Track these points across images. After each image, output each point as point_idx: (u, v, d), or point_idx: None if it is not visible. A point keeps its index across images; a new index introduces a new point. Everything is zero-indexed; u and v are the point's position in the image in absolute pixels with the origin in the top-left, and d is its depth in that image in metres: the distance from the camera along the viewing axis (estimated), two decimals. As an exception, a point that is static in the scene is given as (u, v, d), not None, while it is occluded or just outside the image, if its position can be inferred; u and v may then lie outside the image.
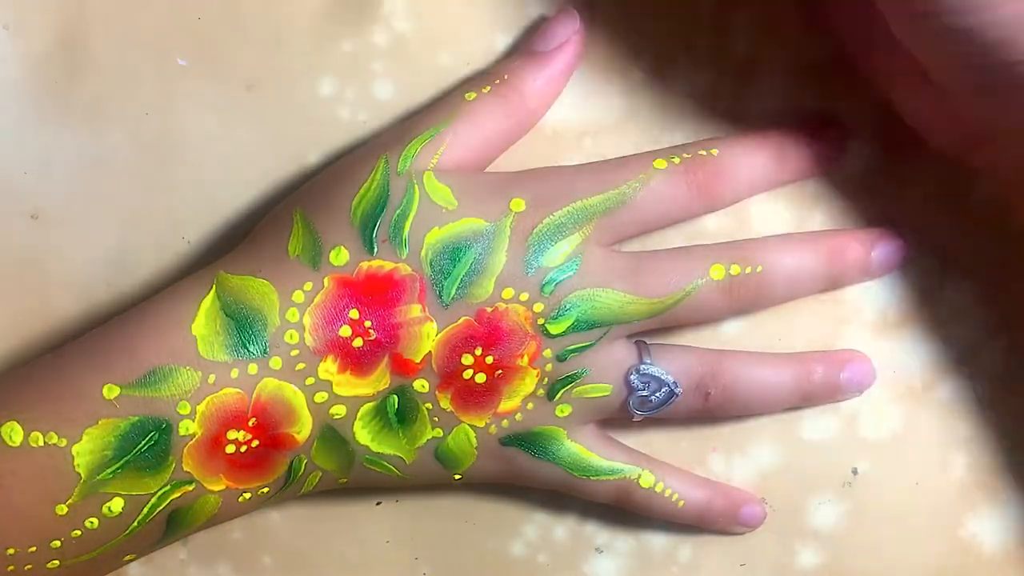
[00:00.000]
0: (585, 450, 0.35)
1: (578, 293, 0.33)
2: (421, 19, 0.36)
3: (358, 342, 0.33)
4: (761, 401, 0.36)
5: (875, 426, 0.37)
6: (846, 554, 0.38)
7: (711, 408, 0.36)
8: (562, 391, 0.34)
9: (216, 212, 0.37)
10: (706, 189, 0.34)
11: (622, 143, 0.36)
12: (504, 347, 0.33)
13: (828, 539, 0.38)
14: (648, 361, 0.35)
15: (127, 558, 0.34)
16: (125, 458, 0.32)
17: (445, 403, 0.34)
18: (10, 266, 0.38)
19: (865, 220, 0.36)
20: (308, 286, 0.33)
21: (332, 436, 0.34)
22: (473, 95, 0.34)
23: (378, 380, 0.33)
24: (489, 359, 0.33)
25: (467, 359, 0.33)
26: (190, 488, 0.33)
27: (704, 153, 0.35)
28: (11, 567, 0.32)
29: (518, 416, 0.34)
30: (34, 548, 0.32)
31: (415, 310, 0.33)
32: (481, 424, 0.34)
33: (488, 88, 0.35)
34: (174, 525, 0.33)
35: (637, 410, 0.35)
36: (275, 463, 0.33)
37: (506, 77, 0.35)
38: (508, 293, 0.33)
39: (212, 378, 0.32)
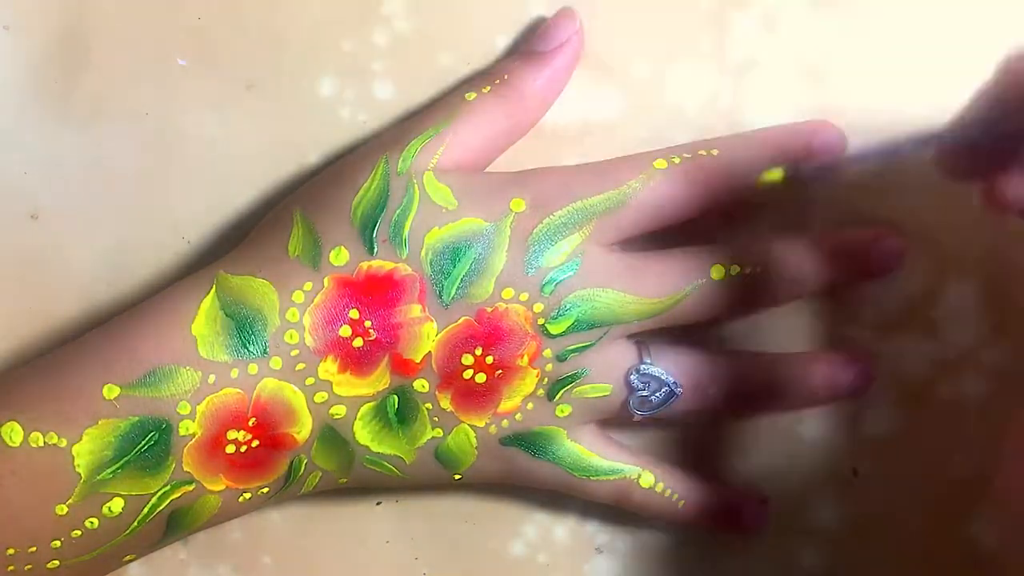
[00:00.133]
0: (585, 450, 0.35)
1: (578, 293, 0.33)
2: (421, 19, 0.36)
3: (358, 342, 0.33)
4: (761, 401, 0.36)
5: (875, 426, 0.37)
6: (846, 554, 0.38)
7: (711, 408, 0.36)
8: (562, 391, 0.34)
9: (216, 212, 0.37)
10: (706, 189, 0.34)
11: (622, 143, 0.36)
12: (504, 347, 0.33)
13: (828, 539, 0.38)
14: (648, 361, 0.35)
15: (127, 558, 0.34)
16: (125, 458, 0.32)
17: (445, 403, 0.34)
18: (10, 266, 0.38)
19: (865, 220, 0.36)
20: (308, 286, 0.33)
21: (332, 436, 0.34)
22: (473, 95, 0.34)
23: (378, 380, 0.33)
24: (489, 359, 0.33)
25: (467, 359, 0.33)
26: (190, 488, 0.33)
27: (704, 153, 0.35)
28: (11, 567, 0.32)
29: (518, 416, 0.34)
30: (34, 548, 0.32)
31: (415, 310, 0.33)
32: (481, 424, 0.34)
33: (488, 88, 0.35)
34: (174, 525, 0.33)
35: (637, 410, 0.35)
36: (275, 463, 0.33)
37: (506, 77, 0.35)
38: (508, 293, 0.33)
39: (212, 378, 0.32)
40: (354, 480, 0.35)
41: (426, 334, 0.33)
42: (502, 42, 0.36)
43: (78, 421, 0.31)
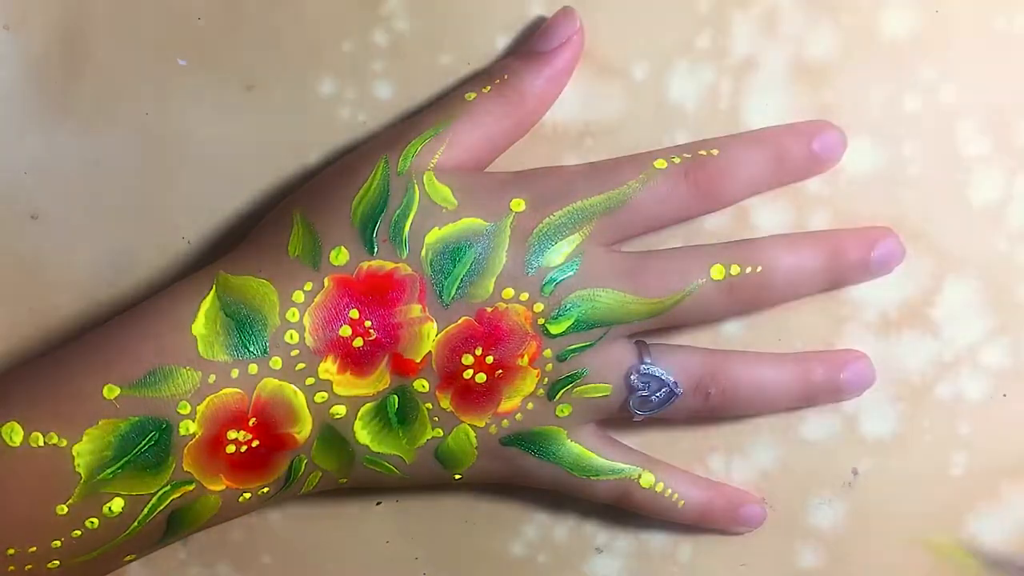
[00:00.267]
0: (585, 450, 0.35)
1: (578, 293, 0.33)
2: (421, 19, 0.36)
3: (358, 342, 0.33)
4: (761, 401, 0.36)
5: (875, 426, 0.37)
6: (846, 554, 0.38)
7: (711, 408, 0.36)
8: (562, 391, 0.34)
9: (216, 212, 0.37)
10: (706, 189, 0.34)
11: (622, 143, 0.36)
12: (504, 347, 0.33)
13: (828, 539, 0.38)
14: (648, 361, 0.35)
15: (127, 558, 0.34)
16: (125, 458, 0.32)
17: (445, 403, 0.34)
18: (10, 266, 0.38)
19: (865, 220, 0.36)
20: (308, 286, 0.33)
21: (332, 436, 0.34)
22: (473, 95, 0.34)
23: (378, 380, 0.33)
24: (489, 359, 0.33)
25: (467, 359, 0.33)
26: (190, 488, 0.33)
27: (704, 153, 0.35)
28: (11, 567, 0.32)
29: (518, 416, 0.34)
30: (34, 548, 0.32)
31: (415, 310, 0.33)
32: (481, 424, 0.34)
33: (488, 88, 0.35)
34: (174, 525, 0.33)
35: (637, 410, 0.35)
36: (275, 463, 0.33)
37: (506, 77, 0.35)
38: (508, 293, 0.33)
39: (212, 378, 0.32)
40: (354, 480, 0.35)
41: (426, 334, 0.33)
42: (502, 42, 0.36)
43: (78, 421, 0.31)
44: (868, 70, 0.36)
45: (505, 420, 0.34)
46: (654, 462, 0.37)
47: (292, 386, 0.33)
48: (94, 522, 0.32)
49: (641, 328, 0.35)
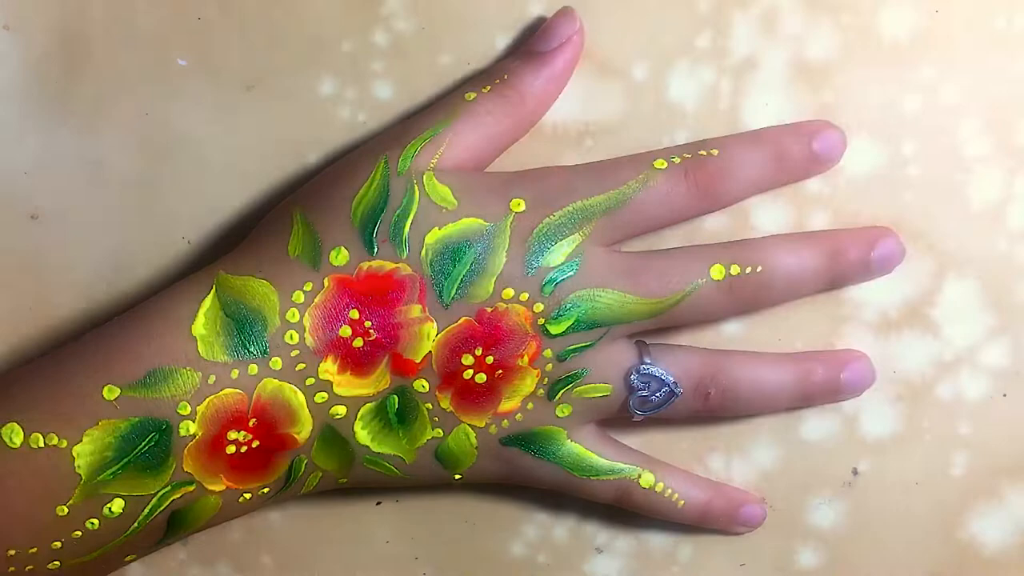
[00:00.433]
0: (585, 450, 0.35)
1: (578, 293, 0.33)
2: (421, 19, 0.36)
3: (358, 342, 0.33)
4: (761, 401, 0.36)
5: (875, 426, 0.37)
6: (846, 554, 0.38)
7: (711, 408, 0.36)
8: (562, 391, 0.34)
9: (216, 212, 0.37)
10: (706, 189, 0.34)
11: (622, 143, 0.36)
12: (504, 347, 0.33)
13: (828, 539, 0.38)
14: (648, 361, 0.35)
15: (128, 558, 0.34)
16: (125, 459, 0.32)
17: (445, 403, 0.34)
18: (10, 266, 0.38)
19: (865, 220, 0.36)
20: (308, 286, 0.33)
21: (332, 436, 0.34)
22: (473, 95, 0.34)
23: (378, 380, 0.33)
24: (489, 359, 0.33)
25: (467, 359, 0.33)
26: (190, 489, 0.33)
27: (704, 153, 0.35)
28: (12, 568, 0.32)
29: (518, 416, 0.34)
30: (35, 549, 0.32)
31: (415, 310, 0.33)
32: (481, 424, 0.34)
33: (488, 88, 0.35)
34: (174, 526, 0.33)
35: (637, 410, 0.35)
36: (275, 463, 0.33)
37: (506, 77, 0.35)
38: (508, 293, 0.33)
39: (212, 379, 0.32)
40: (354, 480, 0.35)
41: (426, 334, 0.33)
42: (502, 42, 0.36)
43: (78, 422, 0.31)
44: (868, 70, 0.36)
45: (505, 420, 0.34)
46: (654, 462, 0.37)
47: (292, 386, 0.33)
48: (94, 523, 0.32)
49: (641, 328, 0.35)
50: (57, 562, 0.32)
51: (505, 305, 0.33)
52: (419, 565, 0.39)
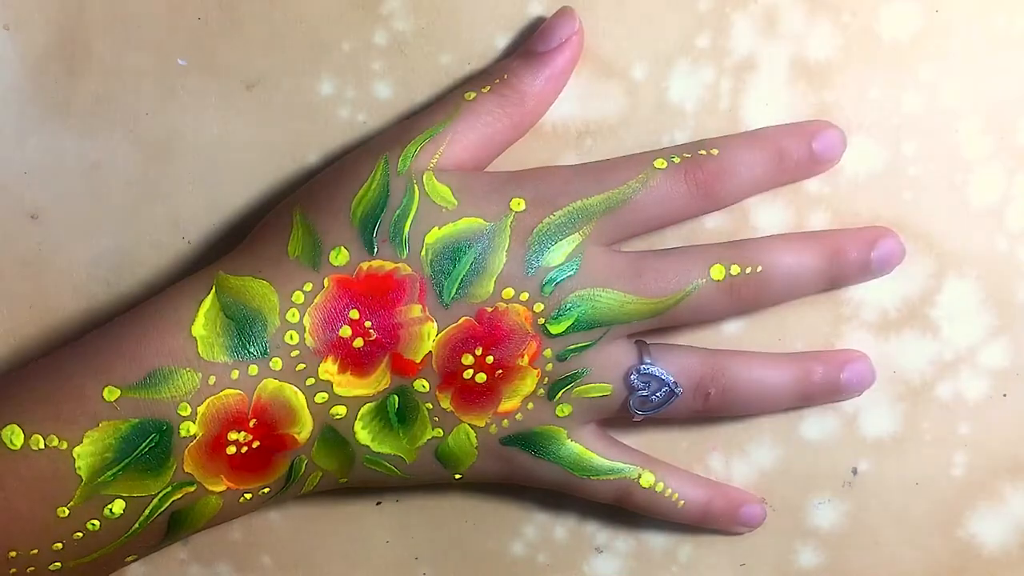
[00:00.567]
0: (585, 450, 0.35)
1: (579, 293, 0.33)
2: (421, 19, 0.36)
3: (358, 342, 0.33)
4: (761, 401, 0.36)
5: (875, 426, 0.37)
6: (846, 554, 0.38)
7: (711, 408, 0.36)
8: (562, 391, 0.34)
9: (216, 212, 0.37)
10: (706, 189, 0.34)
11: (622, 143, 0.36)
12: (504, 347, 0.33)
13: (828, 539, 0.38)
14: (648, 361, 0.35)
15: (128, 559, 0.34)
16: (126, 460, 0.32)
17: (445, 403, 0.34)
18: (10, 266, 0.38)
19: (865, 220, 0.36)
20: (308, 287, 0.33)
21: (333, 436, 0.34)
22: (473, 95, 0.34)
23: (378, 380, 0.33)
24: (489, 359, 0.33)
25: (467, 359, 0.33)
26: (191, 489, 0.33)
27: (704, 153, 0.35)
28: (13, 570, 0.32)
29: (518, 416, 0.34)
30: (36, 550, 0.32)
31: (415, 310, 0.33)
32: (481, 424, 0.34)
33: (488, 88, 0.35)
34: (175, 526, 0.33)
35: (637, 410, 0.35)
36: (276, 464, 0.33)
37: (506, 77, 0.35)
38: (508, 293, 0.33)
39: (212, 379, 0.32)
40: (354, 480, 0.35)
41: (426, 334, 0.33)
42: (502, 42, 0.36)
43: (79, 423, 0.31)
44: (868, 70, 0.36)
45: (505, 420, 0.34)
46: (654, 462, 0.37)
47: (292, 387, 0.33)
48: (95, 524, 0.32)
49: (641, 328, 0.35)
50: (58, 563, 0.32)
51: (505, 305, 0.33)
52: (419, 565, 0.39)
